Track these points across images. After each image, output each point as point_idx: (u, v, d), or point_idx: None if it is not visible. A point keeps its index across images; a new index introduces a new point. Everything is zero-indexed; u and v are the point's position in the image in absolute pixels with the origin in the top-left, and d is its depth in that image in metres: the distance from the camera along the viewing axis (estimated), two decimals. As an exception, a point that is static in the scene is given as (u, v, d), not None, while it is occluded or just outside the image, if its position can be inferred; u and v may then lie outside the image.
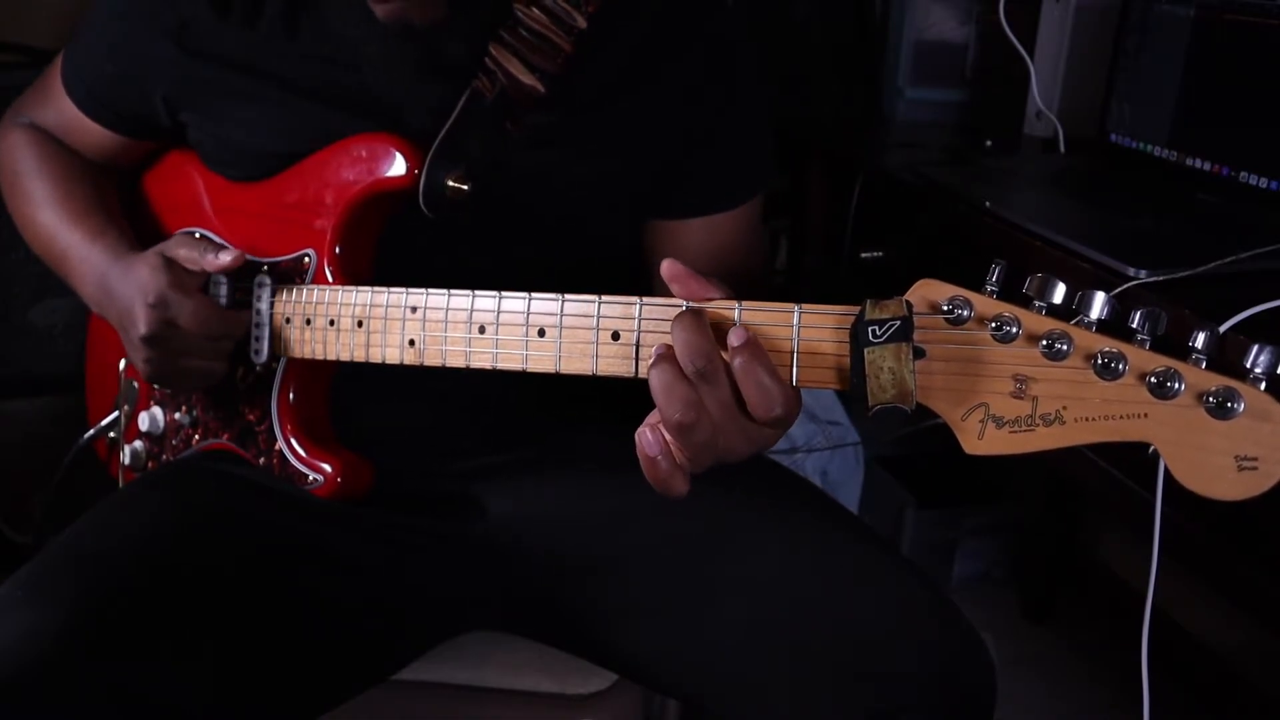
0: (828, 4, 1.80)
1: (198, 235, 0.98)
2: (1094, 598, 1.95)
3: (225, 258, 0.88)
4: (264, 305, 0.91)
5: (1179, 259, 0.99)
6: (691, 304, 0.70)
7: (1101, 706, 1.72)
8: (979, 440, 0.62)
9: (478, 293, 0.77)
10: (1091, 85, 1.47)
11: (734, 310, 0.69)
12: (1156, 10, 1.34)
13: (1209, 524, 0.95)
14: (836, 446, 1.79)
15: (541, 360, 0.75)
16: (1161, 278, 0.97)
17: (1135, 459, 0.82)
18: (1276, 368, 0.56)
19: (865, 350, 0.63)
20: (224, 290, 0.93)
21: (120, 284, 0.91)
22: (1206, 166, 1.28)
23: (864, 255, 1.43)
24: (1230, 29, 1.24)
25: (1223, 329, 0.85)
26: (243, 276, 0.93)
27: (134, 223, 1.04)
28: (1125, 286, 0.96)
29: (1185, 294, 0.95)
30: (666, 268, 0.71)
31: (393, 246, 0.91)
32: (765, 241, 1.83)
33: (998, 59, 1.69)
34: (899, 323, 0.62)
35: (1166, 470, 0.58)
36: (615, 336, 0.72)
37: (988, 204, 1.22)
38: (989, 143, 1.56)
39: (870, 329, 0.63)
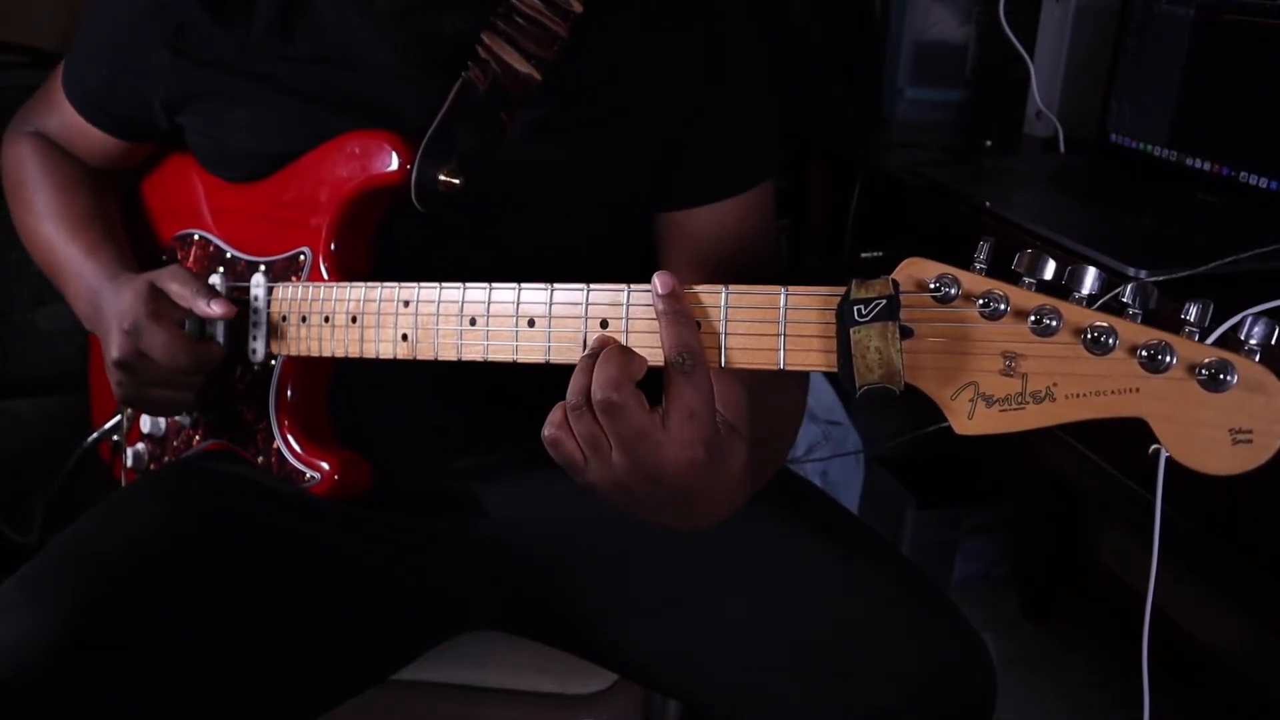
0: (828, 4, 1.80)
1: (196, 237, 0.98)
2: (1094, 598, 1.95)
3: (217, 308, 0.88)
4: (260, 304, 0.91)
5: (1179, 259, 0.99)
6: (672, 291, 0.67)
7: (1101, 706, 1.72)
8: (969, 420, 0.61)
9: (469, 285, 0.77)
10: (1091, 85, 1.47)
11: (720, 294, 0.68)
12: (1156, 10, 1.34)
13: (1209, 524, 0.95)
14: (838, 455, 1.79)
15: (532, 350, 0.74)
16: (1161, 278, 0.97)
17: (1135, 459, 0.82)
18: (1270, 339, 0.55)
19: (851, 330, 0.62)
20: (221, 290, 0.93)
21: (108, 305, 0.92)
22: (1206, 166, 1.28)
23: (864, 255, 1.43)
24: (1230, 29, 1.24)
25: (1222, 329, 0.85)
26: (240, 276, 0.93)
27: (134, 226, 1.05)
28: (1125, 287, 0.96)
29: (1185, 294, 0.95)
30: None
31: (389, 242, 0.90)
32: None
33: (998, 59, 1.70)
34: (885, 301, 0.61)
35: (1167, 470, 0.57)
36: (604, 325, 0.71)
37: (988, 204, 1.22)
38: (989, 143, 1.56)
39: (856, 308, 0.62)
